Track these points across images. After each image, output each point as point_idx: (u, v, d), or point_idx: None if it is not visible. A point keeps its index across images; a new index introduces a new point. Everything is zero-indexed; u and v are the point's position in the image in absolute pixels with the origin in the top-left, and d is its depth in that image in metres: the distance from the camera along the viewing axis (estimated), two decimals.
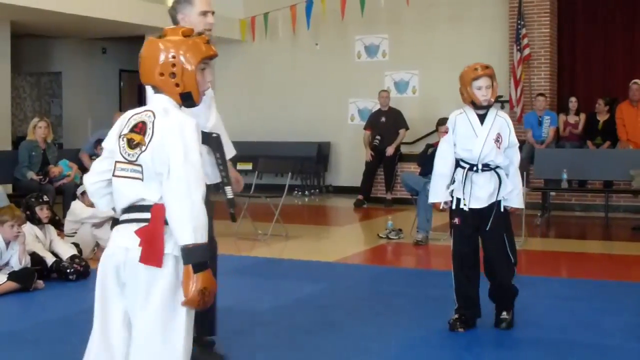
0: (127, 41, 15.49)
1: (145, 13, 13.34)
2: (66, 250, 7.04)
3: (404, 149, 13.42)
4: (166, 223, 2.90)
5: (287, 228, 9.61)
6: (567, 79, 14.05)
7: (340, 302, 6.32)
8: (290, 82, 15.31)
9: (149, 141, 2.93)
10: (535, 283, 6.73)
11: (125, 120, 3.06)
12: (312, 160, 14.56)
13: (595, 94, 12.98)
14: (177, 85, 3.01)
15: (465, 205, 5.18)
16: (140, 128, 2.97)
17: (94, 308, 3.04)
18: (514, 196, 5.24)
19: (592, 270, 7.83)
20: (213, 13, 4.61)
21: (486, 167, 5.19)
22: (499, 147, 5.16)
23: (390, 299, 6.32)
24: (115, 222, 3.08)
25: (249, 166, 13.39)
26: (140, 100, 15.79)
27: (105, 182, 3.10)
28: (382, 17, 14.34)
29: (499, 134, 5.18)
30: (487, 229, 5.19)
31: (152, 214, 2.92)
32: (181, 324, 2.93)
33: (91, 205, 7.92)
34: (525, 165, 10.04)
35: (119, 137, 3.02)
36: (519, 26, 13.28)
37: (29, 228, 6.99)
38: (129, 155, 2.97)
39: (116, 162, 3.02)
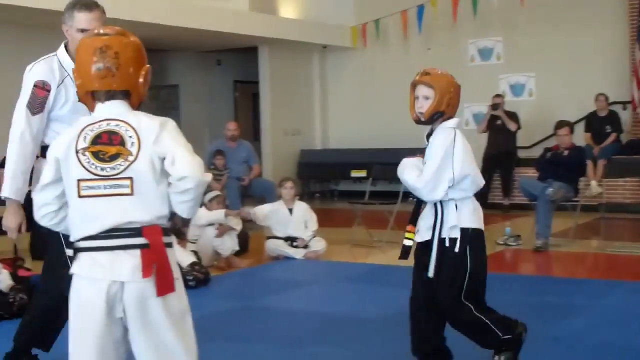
0: (241, 53, 15.76)
1: (258, 25, 13.54)
2: (186, 258, 7.16)
3: (521, 154, 13.15)
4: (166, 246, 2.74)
5: (403, 235, 9.50)
6: None
7: None
8: (403, 88, 14.99)
9: (139, 150, 2.70)
10: None
11: (75, 133, 2.77)
12: None
13: None
14: (145, 93, 2.87)
15: (410, 239, 4.17)
16: (108, 139, 2.71)
17: (75, 344, 2.78)
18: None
19: None
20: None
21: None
22: None
23: (507, 307, 6.10)
24: (73, 247, 2.78)
25: (363, 173, 13.40)
26: (256, 110, 16.05)
27: (53, 213, 2.85)
28: (495, 20, 14.10)
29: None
30: (429, 275, 4.07)
31: (151, 239, 2.70)
32: (190, 325, 2.84)
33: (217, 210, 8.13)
34: None
35: (76, 153, 2.73)
36: None
37: None
38: (103, 169, 2.70)
39: (79, 181, 2.71)
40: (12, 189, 3.98)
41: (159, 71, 16.34)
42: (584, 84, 13.42)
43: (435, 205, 4.03)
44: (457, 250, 4.01)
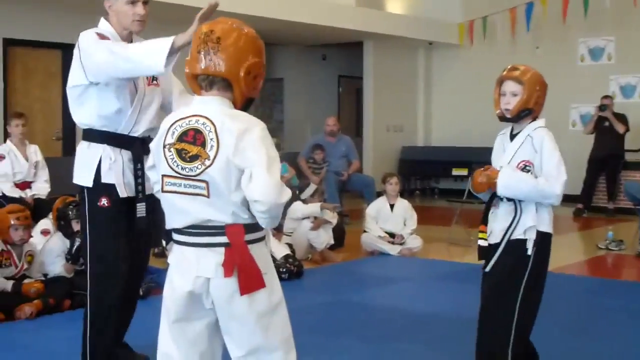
0: (346, 47, 15.79)
1: (364, 19, 13.54)
2: (280, 250, 7.23)
3: (629, 157, 12.75)
4: (249, 242, 2.74)
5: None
6: None
7: (552, 313, 6.06)
8: None
9: (216, 154, 2.67)
10: None
11: (167, 126, 2.80)
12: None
13: None
14: (254, 89, 2.82)
15: (484, 239, 3.98)
16: (193, 137, 2.70)
17: (165, 335, 2.88)
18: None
19: None
20: (146, 3, 3.91)
21: (509, 197, 3.90)
22: None
23: (606, 313, 6.02)
24: (168, 236, 2.85)
25: (464, 172, 13.26)
26: (359, 105, 16.07)
27: None
28: (607, 19, 13.71)
29: (526, 161, 3.89)
30: (486, 270, 3.95)
31: (232, 238, 2.71)
32: (281, 318, 2.84)
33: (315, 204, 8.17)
34: None
35: (163, 147, 2.77)
36: None
37: None
38: (183, 169, 2.72)
39: (163, 175, 2.78)
40: (160, 43, 3.63)
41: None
42: None
43: (515, 205, 3.87)
44: (529, 252, 3.84)
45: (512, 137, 4.01)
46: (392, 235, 8.58)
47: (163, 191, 2.80)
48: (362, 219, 8.93)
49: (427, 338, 5.27)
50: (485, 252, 3.98)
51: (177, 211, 2.78)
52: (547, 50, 14.56)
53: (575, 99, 14.31)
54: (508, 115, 3.95)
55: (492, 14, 14.37)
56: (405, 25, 14.46)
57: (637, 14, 13.37)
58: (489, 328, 3.94)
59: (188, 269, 2.77)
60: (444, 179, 15.46)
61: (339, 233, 8.67)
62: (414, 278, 7.56)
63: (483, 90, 15.43)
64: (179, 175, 2.73)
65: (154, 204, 3.62)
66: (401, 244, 8.52)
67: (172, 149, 2.74)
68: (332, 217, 8.34)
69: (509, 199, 3.89)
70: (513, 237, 3.86)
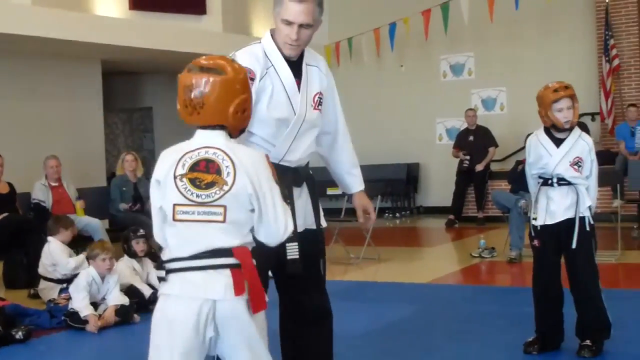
0: None
1: (232, 45, 13.44)
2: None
3: (494, 167, 13.28)
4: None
5: (379, 251, 9.61)
6: None
7: (435, 323, 6.28)
8: (377, 105, 15.33)
9: (234, 180, 2.77)
10: (633, 297, 6.55)
11: (176, 158, 2.85)
12: (402, 182, 14.54)
13: None
14: (244, 120, 2.94)
15: (535, 220, 4.96)
16: (205, 166, 2.79)
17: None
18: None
19: None
20: (302, 26, 3.45)
21: (563, 181, 4.91)
22: (578, 172, 4.89)
23: (486, 319, 6.24)
24: (164, 267, 2.84)
25: (338, 191, 13.45)
26: None
27: None
28: (466, 36, 14.26)
29: (579, 158, 4.90)
30: (573, 247, 4.89)
31: (242, 259, 2.78)
32: (266, 340, 2.91)
33: None
34: (619, 178, 9.82)
35: (174, 178, 2.82)
36: (607, 37, 13.03)
37: (126, 261, 7.15)
38: (198, 196, 2.78)
39: (175, 205, 2.81)
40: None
41: (132, 94, 16.37)
42: None
43: (576, 189, 4.84)
44: (590, 224, 4.90)
45: (556, 140, 4.90)
46: None
47: (174, 220, 2.82)
48: None
49: None
50: (542, 232, 4.96)
51: (184, 241, 2.81)
52: (411, 68, 15.01)
53: (440, 113, 14.80)
54: (568, 126, 4.85)
55: (357, 35, 14.68)
56: None
57: (494, 30, 13.95)
58: (593, 297, 4.94)
59: (194, 293, 2.77)
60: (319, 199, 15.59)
61: None
62: None
63: (352, 109, 15.74)
64: (192, 203, 2.79)
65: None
66: None
67: (184, 179, 2.80)
68: None
69: (561, 184, 4.88)
70: (580, 215, 4.85)
